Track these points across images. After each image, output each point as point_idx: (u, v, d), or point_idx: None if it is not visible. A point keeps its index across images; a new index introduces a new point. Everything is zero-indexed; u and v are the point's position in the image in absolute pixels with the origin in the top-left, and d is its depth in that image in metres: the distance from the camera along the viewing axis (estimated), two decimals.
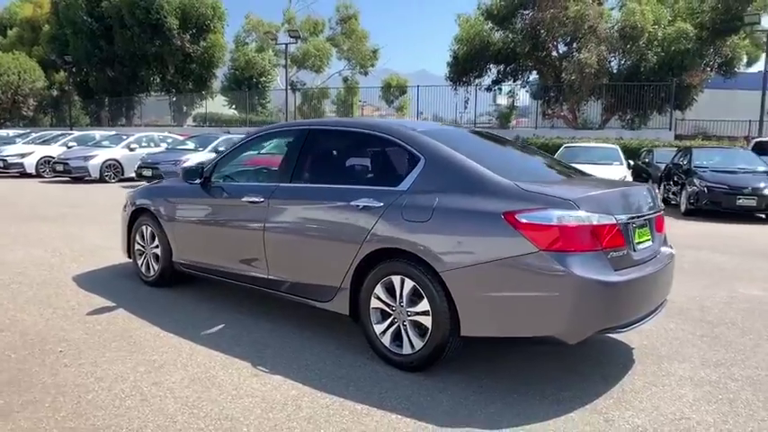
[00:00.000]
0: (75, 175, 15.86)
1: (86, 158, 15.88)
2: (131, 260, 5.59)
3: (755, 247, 8.21)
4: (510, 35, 25.14)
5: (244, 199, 4.32)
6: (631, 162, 14.28)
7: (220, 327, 4.24)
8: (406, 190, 3.50)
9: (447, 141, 3.66)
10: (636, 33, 22.33)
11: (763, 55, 27.98)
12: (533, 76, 27.75)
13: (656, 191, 10.82)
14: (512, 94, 26.80)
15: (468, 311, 3.17)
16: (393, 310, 3.48)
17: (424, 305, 3.31)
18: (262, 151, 5.70)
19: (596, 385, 3.34)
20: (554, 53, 25.98)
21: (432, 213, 3.29)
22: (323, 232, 3.87)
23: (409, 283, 3.38)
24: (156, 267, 5.19)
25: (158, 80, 33.99)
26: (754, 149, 14.84)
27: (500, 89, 28.20)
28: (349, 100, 31.94)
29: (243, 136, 5.47)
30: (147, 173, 14.63)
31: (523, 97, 29.04)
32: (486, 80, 27.04)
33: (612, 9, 25.37)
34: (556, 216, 2.99)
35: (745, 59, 27.02)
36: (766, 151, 14.35)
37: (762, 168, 11.86)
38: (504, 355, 3.74)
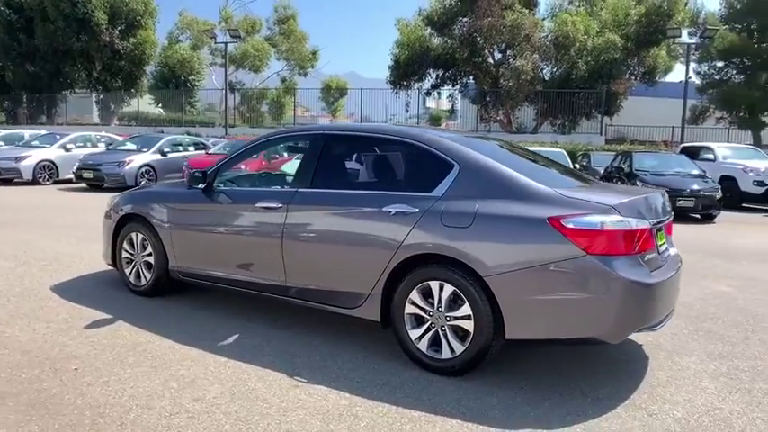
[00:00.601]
0: (4, 176, 14.73)
1: (18, 159, 14.79)
2: (113, 268, 5.31)
3: (704, 245, 8.83)
4: (449, 41, 25.69)
5: (259, 204, 4.20)
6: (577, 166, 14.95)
7: (235, 336, 4.11)
8: (440, 196, 3.54)
9: (476, 149, 3.74)
10: (568, 43, 23.44)
11: (677, 65, 30.19)
12: (470, 81, 28.54)
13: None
14: (451, 98, 27.38)
15: (514, 315, 3.25)
16: (430, 315, 3.51)
17: (466, 309, 3.36)
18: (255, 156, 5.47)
19: (625, 382, 3.50)
20: (490, 60, 26.85)
21: (473, 219, 3.35)
22: (351, 238, 3.83)
23: (449, 288, 3.42)
24: (149, 276, 4.95)
25: (84, 77, 32.12)
26: (681, 154, 15.97)
27: (429, 93, 28.68)
28: (282, 101, 31.48)
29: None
30: (88, 174, 13.84)
31: (456, 101, 29.77)
32: (427, 84, 27.52)
33: (545, 19, 26.51)
34: (600, 221, 3.13)
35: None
36: (692, 156, 15.46)
37: (695, 171, 12.77)
38: (526, 356, 3.84)
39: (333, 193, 4.00)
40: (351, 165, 4.25)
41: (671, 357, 3.94)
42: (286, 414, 2.98)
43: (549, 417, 3.02)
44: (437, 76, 27.40)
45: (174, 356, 3.71)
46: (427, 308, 3.51)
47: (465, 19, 25.28)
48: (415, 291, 3.54)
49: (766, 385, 3.49)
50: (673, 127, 22.73)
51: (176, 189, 4.95)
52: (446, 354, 3.46)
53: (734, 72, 27.75)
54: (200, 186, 4.57)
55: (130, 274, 5.10)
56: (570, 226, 3.13)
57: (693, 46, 27.48)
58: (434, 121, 34.98)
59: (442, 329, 3.47)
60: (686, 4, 24.83)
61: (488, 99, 26.38)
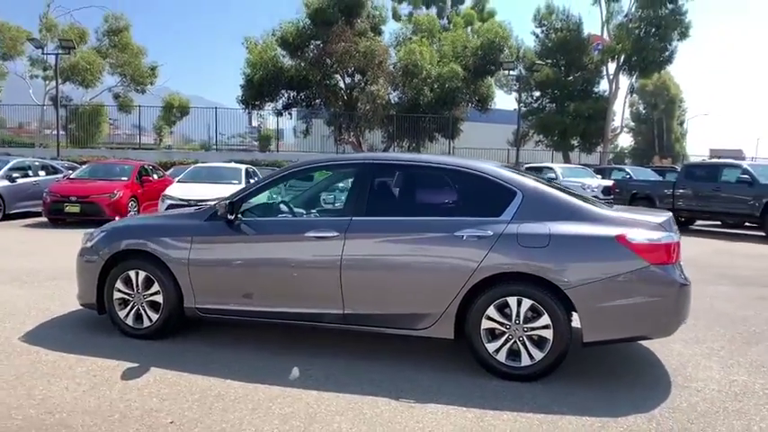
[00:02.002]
0: None
1: None
2: (92, 310, 4.78)
3: None
4: (302, 63, 26.02)
5: (309, 234, 4.18)
6: None
7: (296, 368, 4.03)
8: (510, 220, 3.93)
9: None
10: (416, 71, 25.22)
11: (500, 93, 33.93)
12: (318, 102, 29.07)
13: None
14: (306, 120, 27.61)
15: (590, 321, 3.75)
16: (507, 328, 3.86)
17: (545, 320, 3.78)
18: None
19: (652, 371, 4.18)
20: (341, 84, 27.76)
21: (549, 239, 3.79)
22: (421, 263, 4.02)
23: (527, 302, 3.81)
24: (155, 317, 4.56)
25: None
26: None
27: (281, 113, 28.75)
28: (98, 119, 28.79)
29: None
30: None
31: (288, 122, 29.80)
32: (280, 104, 27.49)
33: (390, 47, 28.15)
34: (657, 237, 3.78)
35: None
36: (536, 174, 17.68)
37: None
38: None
39: (395, 221, 4.15)
40: (411, 193, 4.41)
41: (685, 345, 4.71)
42: (437, 428, 3.11)
43: (630, 406, 3.55)
44: (290, 96, 27.49)
45: (260, 396, 3.57)
46: (504, 321, 3.86)
47: (318, 42, 25.85)
48: (492, 307, 3.87)
49: (748, 357, 4.44)
50: (508, 149, 25.58)
51: (188, 221, 4.62)
52: (525, 362, 3.83)
53: (548, 101, 32.14)
54: (220, 218, 4.37)
55: (127, 316, 4.64)
56: (635, 242, 3.73)
57: (513, 78, 31.36)
58: (264, 140, 34.76)
59: (520, 340, 3.84)
60: (507, 42, 28.02)
61: (342, 121, 27.15)
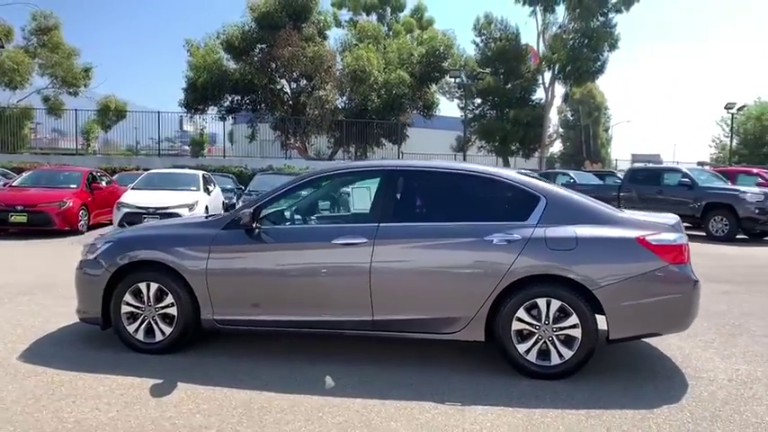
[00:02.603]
0: None
1: None
2: (95, 325, 4.59)
3: None
4: (247, 67, 25.56)
5: (336, 241, 4.17)
6: None
7: (328, 377, 4.01)
8: (536, 224, 4.07)
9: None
10: (364, 76, 25.30)
11: (443, 100, 34.64)
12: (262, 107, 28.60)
13: None
14: (251, 125, 27.05)
15: (616, 319, 3.95)
16: (537, 329, 3.99)
17: (573, 320, 3.94)
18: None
19: (662, 367, 4.45)
20: (287, 88, 27.47)
21: (576, 242, 3.97)
22: (451, 267, 4.09)
23: (556, 303, 3.96)
24: (169, 330, 4.39)
25: None
26: None
27: (224, 117, 28.08)
28: (24, 122, 27.19)
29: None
30: None
31: (217, 125, 29.00)
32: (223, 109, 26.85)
33: (336, 52, 28.10)
34: (673, 238, 4.03)
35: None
36: None
37: None
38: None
39: (424, 226, 4.21)
40: (437, 199, 4.46)
41: (663, 341, 5.03)
42: (493, 429, 3.19)
43: (662, 396, 3.77)
44: (234, 101, 26.91)
45: (306, 406, 3.53)
46: (534, 322, 3.99)
47: (263, 46, 25.47)
48: (521, 309, 4.00)
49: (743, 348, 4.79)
50: (455, 154, 26.13)
51: (204, 230, 4.48)
52: (555, 360, 3.98)
53: (489, 108, 33.09)
54: (239, 227, 4.28)
55: (137, 330, 4.44)
56: (654, 243, 3.96)
57: (455, 85, 32.12)
58: (196, 145, 33.91)
59: (549, 340, 3.99)
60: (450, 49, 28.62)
61: (288, 126, 26.85)
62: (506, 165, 33.46)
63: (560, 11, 31.62)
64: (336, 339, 4.66)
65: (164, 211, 11.61)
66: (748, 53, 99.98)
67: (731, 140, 34.57)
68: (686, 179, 13.83)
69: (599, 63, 30.69)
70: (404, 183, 4.37)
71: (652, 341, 4.80)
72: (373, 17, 39.54)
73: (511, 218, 4.15)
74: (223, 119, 27.76)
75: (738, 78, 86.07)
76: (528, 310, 4.00)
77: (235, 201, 17.13)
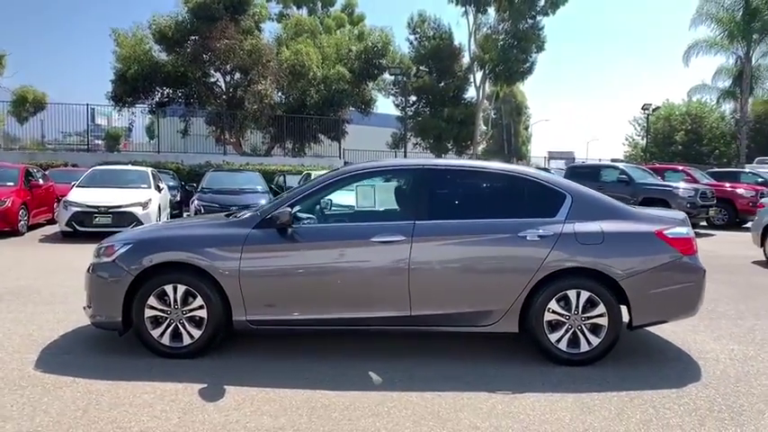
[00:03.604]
0: None
1: None
2: (106, 330, 4.46)
3: None
4: (180, 59, 24.60)
5: (375, 239, 4.22)
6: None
7: (376, 375, 4.07)
8: (564, 220, 4.32)
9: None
10: (304, 71, 25.06)
11: (380, 97, 34.91)
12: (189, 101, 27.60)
13: None
14: (184, 119, 26.04)
15: (638, 307, 4.26)
16: (567, 319, 4.24)
17: (600, 309, 4.22)
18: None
19: (661, 350, 4.84)
20: (220, 82, 26.70)
21: (603, 237, 4.25)
22: (487, 263, 4.27)
23: (585, 294, 4.22)
24: (198, 333, 4.28)
25: None
26: None
27: (153, 111, 26.93)
28: None
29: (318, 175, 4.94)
30: None
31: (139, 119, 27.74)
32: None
33: (280, 47, 27.55)
34: (685, 231, 4.40)
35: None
36: None
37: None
38: None
39: (459, 223, 4.34)
40: (465, 196, 4.59)
41: (657, 327, 5.45)
42: (552, 413, 3.38)
43: (683, 376, 4.12)
44: (166, 94, 25.82)
45: (368, 402, 3.58)
46: (564, 312, 4.24)
47: (197, 38, 24.59)
48: (553, 300, 4.23)
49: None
50: (396, 151, 26.43)
51: (234, 230, 4.38)
52: (584, 348, 4.25)
53: (424, 106, 33.67)
54: (272, 226, 4.26)
55: (162, 335, 4.30)
56: (670, 236, 4.32)
57: (391, 82, 32.46)
58: (111, 139, 32.34)
59: (579, 329, 4.25)
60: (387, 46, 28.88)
61: (224, 121, 26.11)
62: None
63: (492, 12, 32.60)
64: (358, 336, 4.72)
65: (116, 210, 11.08)
66: (659, 57, 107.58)
67: (646, 139, 37.09)
68: (624, 176, 14.80)
69: (527, 64, 32.00)
70: (437, 181, 4.49)
71: (651, 327, 5.19)
72: (303, 11, 39.18)
73: (540, 214, 4.37)
74: (152, 112, 26.56)
75: (649, 81, 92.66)
76: (559, 302, 4.24)
77: (180, 197, 16.53)
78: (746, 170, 20.62)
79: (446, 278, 4.28)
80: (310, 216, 4.50)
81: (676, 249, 4.31)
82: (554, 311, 4.24)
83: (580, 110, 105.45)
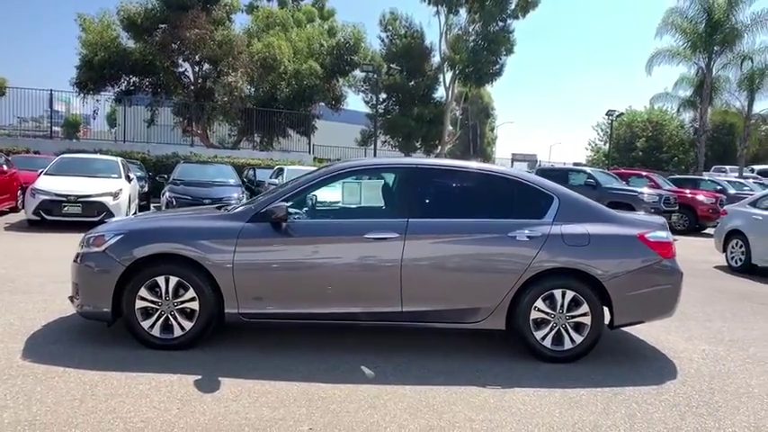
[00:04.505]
0: None
1: None
2: (100, 321, 4.40)
3: None
4: (149, 47, 24.06)
5: (368, 235, 4.29)
6: None
7: (367, 368, 4.14)
8: (552, 222, 4.47)
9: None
10: (276, 65, 24.82)
11: (350, 94, 34.83)
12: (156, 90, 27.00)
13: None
14: (151, 108, 25.48)
15: (620, 307, 4.45)
16: (552, 318, 4.40)
17: (584, 308, 4.39)
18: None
19: (645, 344, 5.06)
20: (188, 72, 26.22)
21: (589, 239, 4.41)
22: (477, 261, 4.38)
23: (570, 294, 4.39)
24: (189, 325, 4.28)
25: None
26: None
27: (119, 99, 26.29)
28: None
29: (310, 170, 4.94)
30: None
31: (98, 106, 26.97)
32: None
33: (251, 39, 27.19)
34: (665, 235, 4.61)
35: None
36: None
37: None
38: None
39: (452, 222, 4.44)
40: (457, 196, 4.68)
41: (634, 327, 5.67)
42: (543, 407, 3.52)
43: (662, 373, 4.33)
44: (131, 82, 25.20)
45: (363, 395, 3.65)
46: (550, 311, 4.39)
47: (166, 26, 24.08)
48: (539, 299, 4.38)
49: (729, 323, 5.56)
50: (365, 149, 26.44)
51: (228, 222, 4.37)
52: (568, 345, 4.42)
53: (394, 104, 33.78)
54: (266, 220, 4.28)
55: (152, 326, 4.27)
56: (652, 240, 4.52)
57: (361, 79, 32.44)
58: (71, 126, 31.41)
59: (563, 327, 4.41)
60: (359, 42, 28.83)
61: (191, 112, 25.67)
62: None
63: (464, 13, 32.91)
64: (349, 331, 4.79)
65: (86, 199, 10.82)
66: (625, 65, 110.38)
67: (609, 144, 38.11)
68: (591, 180, 15.22)
69: (497, 66, 32.40)
70: (430, 180, 4.58)
71: (627, 327, 5.41)
72: (274, 3, 38.72)
73: (529, 216, 4.51)
74: (118, 101, 25.91)
75: (614, 87, 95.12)
76: (545, 301, 4.39)
77: (147, 188, 16.18)
78: (705, 178, 21.47)
79: (437, 275, 4.38)
80: (301, 211, 4.54)
81: (657, 252, 4.51)
82: (540, 310, 4.39)
83: (544, 113, 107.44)
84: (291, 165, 20.15)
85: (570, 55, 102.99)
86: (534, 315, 4.39)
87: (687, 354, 4.86)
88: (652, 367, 4.49)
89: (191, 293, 4.26)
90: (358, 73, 31.21)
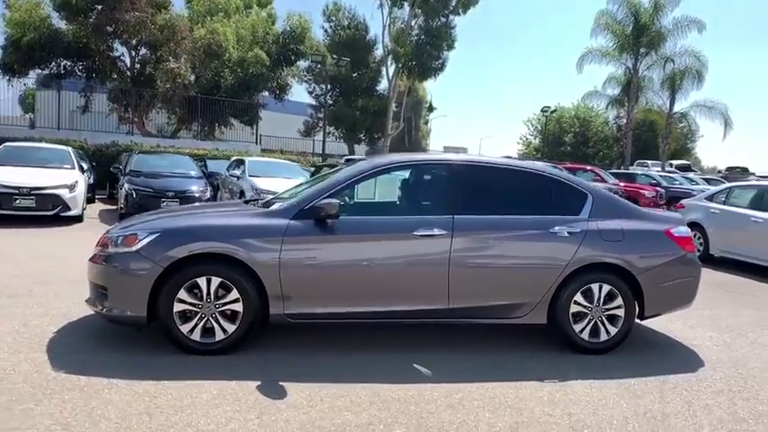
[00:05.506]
0: None
1: None
2: (131, 326, 4.16)
3: None
4: (83, 29, 22.56)
5: (417, 233, 4.25)
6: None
7: (420, 365, 4.11)
8: (587, 218, 4.60)
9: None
10: (220, 52, 23.95)
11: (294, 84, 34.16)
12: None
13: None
14: (85, 94, 23.94)
15: (650, 299, 4.65)
16: (589, 311, 4.54)
17: (618, 301, 4.56)
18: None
19: (661, 335, 5.32)
20: (125, 57, 24.86)
21: (623, 234, 4.58)
22: (522, 257, 4.45)
23: (606, 287, 4.54)
24: (232, 328, 4.08)
25: None
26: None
27: (47, 84, 24.60)
28: None
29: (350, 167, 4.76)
30: None
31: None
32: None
33: (196, 24, 26.03)
34: (686, 230, 4.86)
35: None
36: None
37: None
38: None
39: (496, 218, 4.47)
40: (498, 193, 4.68)
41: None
42: (608, 398, 3.63)
43: (689, 361, 4.57)
44: (63, 65, 23.57)
45: (434, 394, 3.63)
46: (588, 304, 4.53)
47: (102, 7, 22.66)
48: (578, 293, 4.51)
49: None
50: (314, 140, 26.11)
51: (272, 220, 4.18)
52: (603, 337, 4.58)
53: (338, 95, 33.47)
54: (311, 217, 4.16)
55: (192, 330, 4.05)
56: (676, 235, 4.75)
57: (305, 69, 31.91)
58: None
59: (599, 319, 4.56)
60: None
61: (129, 99, 24.36)
62: (351, 152, 34.25)
63: (407, 7, 33.00)
64: (377, 329, 4.75)
65: (40, 191, 10.06)
66: (559, 62, 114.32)
67: (544, 139, 39.54)
68: None
69: (440, 61, 32.80)
70: (473, 177, 4.60)
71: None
72: None
73: (566, 212, 4.62)
74: (46, 85, 24.18)
75: (546, 83, 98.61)
76: (583, 294, 4.52)
77: (92, 180, 15.20)
78: (639, 172, 22.75)
79: (483, 271, 4.41)
80: (346, 208, 4.42)
81: (681, 246, 4.75)
82: (578, 303, 4.52)
83: (476, 107, 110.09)
84: (240, 156, 19.55)
85: (503, 52, 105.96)
86: (573, 309, 4.51)
87: (699, 341, 5.15)
88: (679, 355, 4.74)
89: (234, 294, 4.06)
90: (302, 63, 30.68)
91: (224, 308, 4.07)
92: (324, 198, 4.21)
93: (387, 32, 33.90)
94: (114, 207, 13.90)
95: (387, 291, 4.29)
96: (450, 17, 32.93)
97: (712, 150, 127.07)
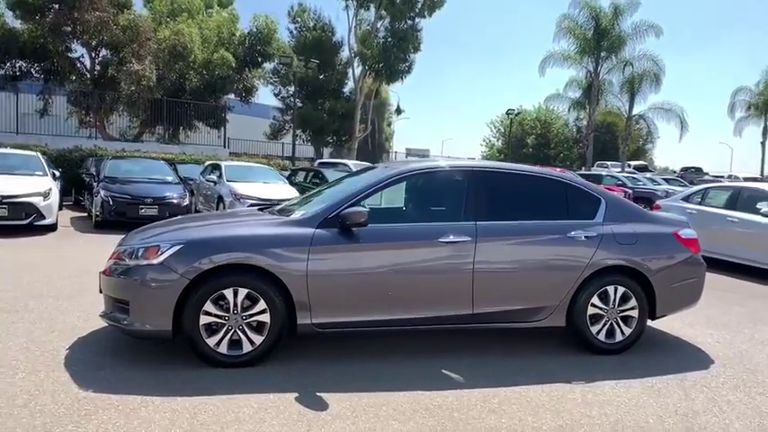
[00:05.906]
0: None
1: None
2: (154, 340, 4.06)
3: None
4: (40, 29, 21.75)
5: (442, 239, 4.28)
6: None
7: (448, 371, 4.14)
8: (602, 222, 4.72)
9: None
10: (186, 53, 23.47)
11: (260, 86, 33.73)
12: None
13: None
14: (44, 97, 23.06)
15: (662, 300, 4.80)
16: (606, 312, 4.66)
17: (632, 302, 4.70)
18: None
19: (667, 335, 5.50)
20: (85, 58, 24.10)
21: (636, 238, 4.72)
22: (542, 261, 4.52)
23: (621, 290, 4.67)
24: (260, 340, 4.02)
25: None
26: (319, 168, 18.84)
27: (3, 86, 23.67)
28: None
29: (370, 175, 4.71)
30: None
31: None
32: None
33: (160, 25, 25.41)
34: (692, 232, 5.04)
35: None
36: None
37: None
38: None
39: (517, 224, 4.53)
40: (516, 198, 4.73)
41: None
42: (635, 398, 3.74)
43: (700, 359, 4.74)
44: (19, 67, 22.66)
45: (474, 398, 3.65)
46: (604, 306, 4.65)
47: (61, 5, 21.89)
48: (595, 296, 4.62)
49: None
50: (283, 143, 25.84)
51: (297, 229, 4.13)
52: (618, 338, 4.70)
53: (305, 97, 33.24)
54: (336, 225, 4.15)
55: (219, 343, 3.96)
56: (684, 237, 4.92)
57: (270, 71, 31.60)
58: None
59: (615, 321, 4.68)
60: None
61: (90, 101, 23.60)
62: (318, 155, 34.09)
63: (373, 9, 33.09)
64: (391, 335, 4.75)
65: (12, 200, 9.66)
66: (522, 65, 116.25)
67: (507, 141, 40.21)
68: None
69: (407, 64, 33.05)
70: (493, 183, 4.65)
71: None
72: None
73: (581, 217, 4.73)
74: (1, 87, 23.16)
75: (509, 86, 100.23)
76: (599, 297, 4.63)
77: (60, 187, 14.64)
78: (604, 173, 23.39)
79: (506, 277, 4.47)
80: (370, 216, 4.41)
81: (688, 248, 4.92)
82: (595, 305, 4.63)
83: (438, 110, 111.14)
84: (209, 159, 19.17)
85: (464, 55, 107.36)
86: (591, 311, 4.62)
87: (701, 339, 5.34)
88: (687, 353, 4.90)
89: (261, 305, 4.00)
90: (267, 65, 30.38)
91: (251, 319, 4.00)
92: (348, 206, 4.19)
93: (353, 34, 34.00)
94: (83, 214, 13.47)
95: (414, 298, 4.30)
96: (417, 19, 33.21)
97: (664, 151, 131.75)
